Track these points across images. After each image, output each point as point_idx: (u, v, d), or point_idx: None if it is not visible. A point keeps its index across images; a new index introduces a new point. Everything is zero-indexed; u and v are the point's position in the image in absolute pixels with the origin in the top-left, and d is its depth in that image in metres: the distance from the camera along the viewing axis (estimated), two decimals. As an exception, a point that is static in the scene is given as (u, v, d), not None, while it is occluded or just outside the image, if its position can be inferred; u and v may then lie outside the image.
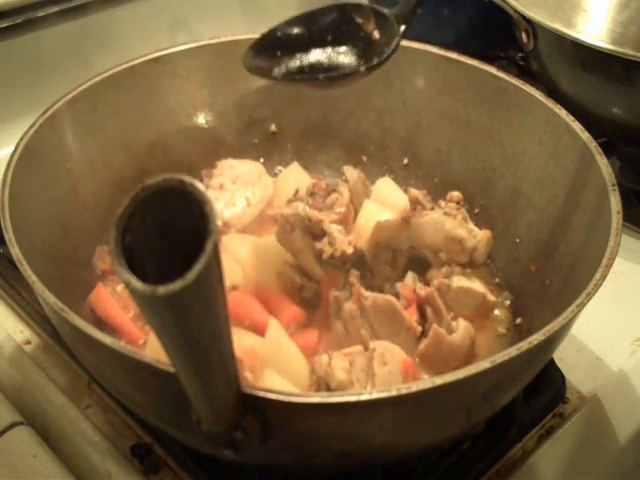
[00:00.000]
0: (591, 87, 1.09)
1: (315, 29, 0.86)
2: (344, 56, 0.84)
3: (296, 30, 0.86)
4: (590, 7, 1.14)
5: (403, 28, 0.84)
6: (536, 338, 0.64)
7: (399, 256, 0.94)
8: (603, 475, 0.86)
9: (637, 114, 1.08)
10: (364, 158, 1.10)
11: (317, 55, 0.84)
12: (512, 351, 0.62)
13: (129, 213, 0.43)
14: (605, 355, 0.94)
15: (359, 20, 0.86)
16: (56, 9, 1.26)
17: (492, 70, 0.98)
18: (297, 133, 1.11)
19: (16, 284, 0.98)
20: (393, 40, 0.84)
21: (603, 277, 0.69)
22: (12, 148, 0.83)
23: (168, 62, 1.02)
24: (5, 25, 1.22)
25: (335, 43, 0.85)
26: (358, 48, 0.85)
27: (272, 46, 0.85)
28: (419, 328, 0.84)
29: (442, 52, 1.01)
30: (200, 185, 0.42)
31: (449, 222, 0.91)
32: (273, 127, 1.10)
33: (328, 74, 0.83)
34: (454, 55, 1.01)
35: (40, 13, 1.25)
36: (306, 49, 0.84)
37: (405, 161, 1.08)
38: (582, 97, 1.11)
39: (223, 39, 1.04)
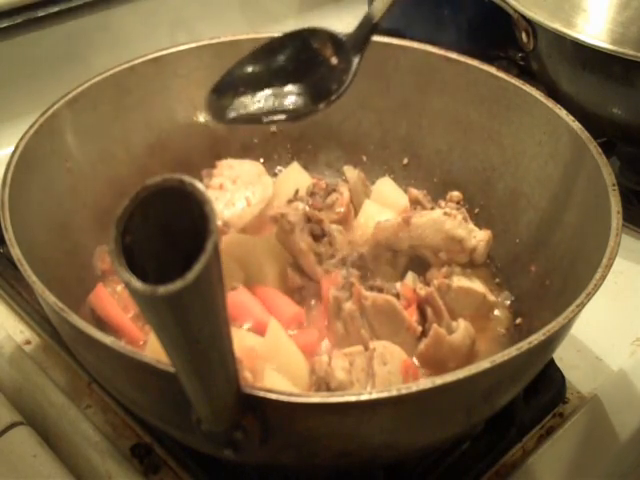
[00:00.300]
0: (591, 87, 1.09)
1: (274, 62, 0.86)
2: (301, 94, 0.84)
3: (253, 68, 0.86)
4: (590, 7, 1.14)
5: (357, 60, 0.85)
6: (536, 338, 0.64)
7: (399, 256, 0.94)
8: (603, 475, 0.86)
9: (637, 114, 1.08)
10: (364, 158, 1.10)
11: (274, 95, 0.84)
12: (512, 351, 0.62)
13: (129, 213, 0.43)
14: (605, 355, 0.94)
15: (317, 46, 0.86)
16: (56, 9, 1.26)
17: (492, 70, 0.98)
18: (297, 133, 1.11)
19: (16, 284, 0.98)
20: (349, 72, 0.85)
21: (603, 277, 0.69)
22: (12, 148, 0.83)
23: (168, 62, 1.02)
24: (5, 25, 1.22)
25: (295, 75, 0.85)
26: (316, 80, 0.85)
27: (231, 87, 0.85)
28: (419, 328, 0.84)
29: (442, 52, 1.01)
30: (200, 185, 0.42)
31: (449, 222, 0.91)
32: (273, 127, 1.10)
33: (284, 116, 0.84)
34: (454, 55, 1.01)
35: (40, 13, 1.25)
36: (265, 86, 0.84)
37: (405, 161, 1.08)
38: (582, 97, 1.11)
39: (223, 39, 1.04)
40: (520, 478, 0.81)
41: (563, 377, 0.88)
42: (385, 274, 0.93)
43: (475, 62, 1.00)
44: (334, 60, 0.86)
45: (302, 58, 0.86)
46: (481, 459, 0.81)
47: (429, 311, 0.85)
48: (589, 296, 0.68)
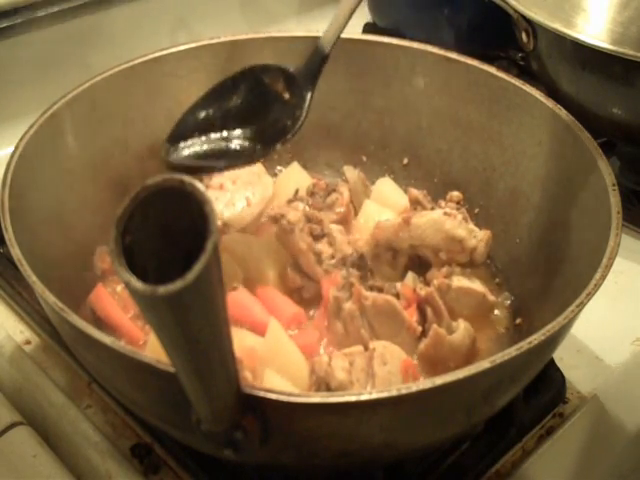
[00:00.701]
0: (591, 87, 1.09)
1: (226, 104, 0.87)
2: (255, 136, 0.85)
3: (206, 111, 0.87)
4: (590, 7, 1.14)
5: (310, 95, 0.86)
6: (536, 338, 0.64)
7: (399, 256, 0.94)
8: (603, 475, 0.86)
9: (637, 114, 1.08)
10: (364, 158, 1.10)
11: (225, 140, 0.85)
12: (512, 351, 0.62)
13: (129, 213, 0.43)
14: (605, 355, 0.94)
15: (268, 82, 0.87)
16: (56, 9, 1.26)
17: (492, 70, 0.98)
18: (297, 133, 1.11)
19: (16, 284, 0.98)
20: (303, 108, 0.85)
21: (603, 277, 0.69)
22: (12, 148, 0.83)
23: (168, 62, 1.02)
24: (5, 25, 1.22)
25: (248, 116, 0.85)
26: (270, 119, 0.85)
27: (182, 135, 0.86)
28: (419, 328, 0.84)
29: (442, 52, 1.01)
30: (200, 185, 0.42)
31: (449, 222, 0.91)
32: None
33: (238, 161, 0.85)
34: (454, 55, 1.01)
35: (40, 13, 1.25)
36: (217, 129, 0.85)
37: (405, 161, 1.08)
38: (582, 97, 1.11)
39: (223, 39, 1.04)
40: (520, 478, 0.81)
41: (563, 377, 0.88)
42: (385, 274, 0.93)
43: (475, 62, 1.00)
44: (286, 95, 0.87)
45: (255, 96, 0.87)
46: (481, 459, 0.81)
47: (429, 311, 0.85)
48: (589, 296, 0.68)
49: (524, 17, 1.12)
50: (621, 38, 1.08)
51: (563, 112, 0.90)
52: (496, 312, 0.92)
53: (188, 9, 1.42)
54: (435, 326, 0.83)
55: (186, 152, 0.85)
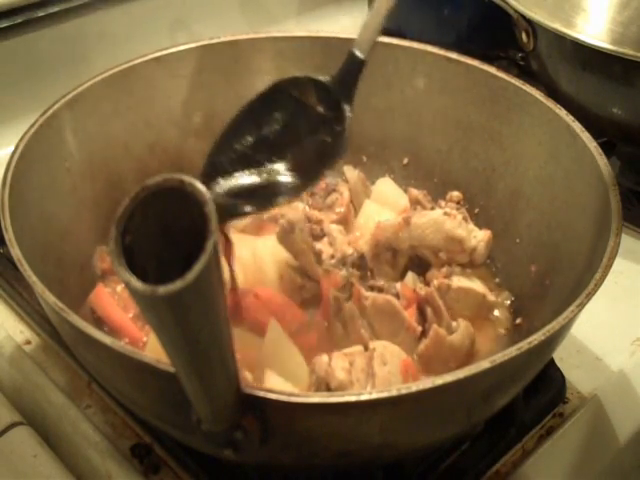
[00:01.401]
0: (591, 87, 1.09)
1: (258, 129, 0.78)
2: (292, 164, 0.77)
3: (239, 141, 0.78)
4: (590, 7, 1.14)
5: (348, 108, 0.78)
6: (536, 338, 0.64)
7: (399, 256, 0.94)
8: (603, 475, 0.86)
9: (637, 114, 1.08)
10: (364, 158, 1.10)
11: (268, 173, 0.77)
12: (512, 351, 0.62)
13: (129, 213, 0.43)
14: (605, 355, 0.94)
15: (298, 95, 0.79)
16: (56, 9, 1.26)
17: (492, 70, 0.98)
18: None
19: (16, 284, 0.98)
20: (342, 123, 0.77)
21: (603, 277, 0.69)
22: (12, 148, 0.83)
23: (168, 62, 1.02)
24: (5, 25, 1.22)
25: (284, 138, 0.77)
26: (308, 137, 0.78)
27: (220, 169, 0.78)
28: (419, 328, 0.84)
29: (442, 52, 1.01)
30: (200, 185, 0.42)
31: (449, 222, 0.91)
32: None
33: (289, 196, 0.77)
34: (454, 55, 1.01)
35: (40, 13, 1.24)
36: (256, 159, 0.77)
37: (405, 161, 1.08)
38: (582, 97, 1.11)
39: (223, 39, 1.04)
40: (520, 478, 0.81)
41: (563, 377, 0.88)
42: (385, 274, 0.93)
43: (475, 62, 1.00)
44: (321, 109, 0.79)
45: (288, 114, 0.79)
46: (481, 459, 0.81)
47: (429, 311, 0.85)
48: (589, 296, 0.68)
49: (524, 17, 1.12)
50: (621, 38, 1.08)
51: (563, 112, 0.90)
52: (496, 312, 0.92)
53: (188, 9, 1.42)
54: (435, 326, 0.83)
55: (225, 189, 0.77)
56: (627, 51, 1.01)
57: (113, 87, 0.97)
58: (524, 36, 1.15)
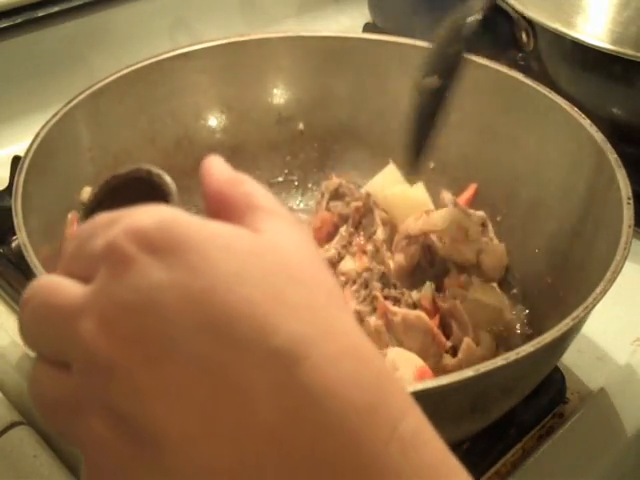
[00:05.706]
0: (591, 87, 1.09)
1: None
2: None
3: None
4: (590, 7, 1.14)
5: None
6: (543, 339, 0.64)
7: (412, 243, 0.92)
8: (603, 476, 0.86)
9: (637, 114, 1.08)
10: (390, 160, 1.09)
11: None
12: (525, 349, 0.63)
13: (99, 200, 0.45)
14: (605, 355, 0.94)
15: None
16: (56, 9, 1.26)
17: (519, 76, 0.97)
18: (324, 133, 1.10)
19: (18, 285, 0.97)
20: None
21: (604, 291, 0.69)
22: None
23: (197, 58, 1.02)
24: (5, 25, 1.22)
25: None
26: None
27: None
28: (449, 343, 0.83)
29: (470, 56, 0.98)
30: (167, 177, 0.44)
31: (465, 220, 0.90)
32: (301, 126, 1.09)
33: None
34: (482, 60, 1.00)
35: (40, 13, 1.24)
36: None
37: (432, 165, 1.06)
38: (582, 97, 1.11)
39: (253, 36, 1.04)
40: (520, 478, 0.81)
41: (563, 377, 0.88)
42: (398, 263, 0.92)
43: (504, 68, 0.98)
44: None
45: None
46: (481, 459, 0.81)
47: (454, 324, 0.84)
48: (586, 310, 0.68)
49: (524, 17, 1.12)
50: (621, 38, 1.08)
51: (587, 122, 0.89)
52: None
53: (189, 9, 1.42)
54: (468, 340, 0.81)
55: None
56: (627, 51, 1.01)
57: (140, 80, 0.97)
58: (524, 36, 1.15)
